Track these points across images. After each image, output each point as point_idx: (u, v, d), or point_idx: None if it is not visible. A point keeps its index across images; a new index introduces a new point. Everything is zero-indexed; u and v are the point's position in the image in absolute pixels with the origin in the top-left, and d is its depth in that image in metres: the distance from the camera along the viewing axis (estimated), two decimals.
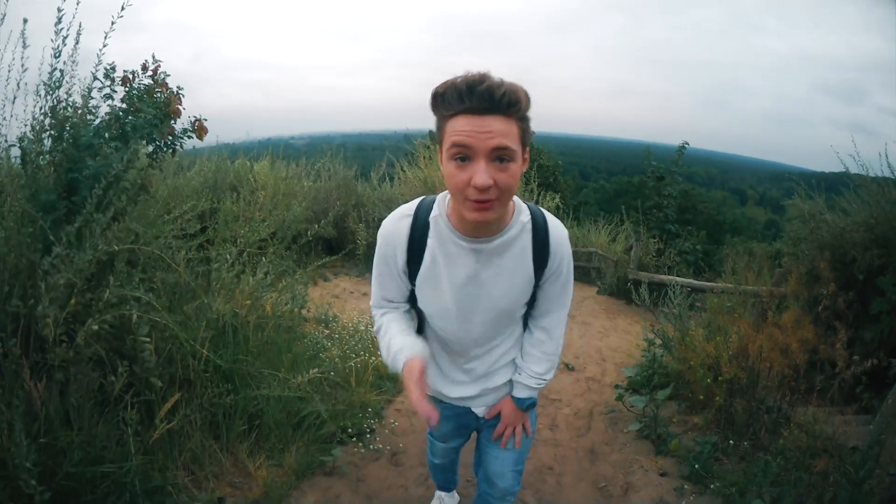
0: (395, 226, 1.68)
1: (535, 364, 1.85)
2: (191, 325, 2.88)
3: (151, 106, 3.33)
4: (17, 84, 2.52)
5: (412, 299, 1.79)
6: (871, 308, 3.89)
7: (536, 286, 1.72)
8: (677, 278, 7.24)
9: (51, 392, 2.30)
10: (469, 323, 1.73)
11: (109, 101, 3.27)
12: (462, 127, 1.35)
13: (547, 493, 3.14)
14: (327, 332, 4.52)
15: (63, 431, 2.31)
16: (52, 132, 2.66)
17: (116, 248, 2.43)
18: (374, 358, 4.06)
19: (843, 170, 4.62)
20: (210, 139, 4.46)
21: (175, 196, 4.25)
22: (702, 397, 3.78)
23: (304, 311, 4.33)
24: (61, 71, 2.67)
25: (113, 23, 2.77)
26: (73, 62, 2.72)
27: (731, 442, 3.44)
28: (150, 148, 3.41)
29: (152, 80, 3.58)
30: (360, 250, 7.46)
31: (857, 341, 3.90)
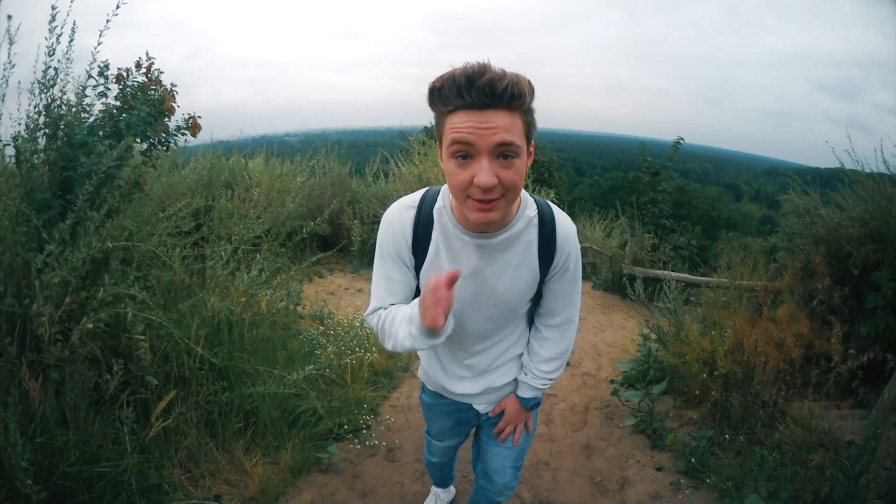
0: (401, 215, 1.62)
1: (541, 363, 1.82)
2: (186, 322, 2.88)
3: (145, 103, 3.32)
4: (6, 81, 2.51)
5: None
6: (867, 303, 3.91)
7: (542, 283, 1.68)
8: (672, 273, 7.24)
9: (46, 391, 2.30)
10: (471, 318, 1.69)
11: (103, 99, 3.26)
12: (462, 123, 1.29)
13: (543, 489, 3.14)
14: (322, 328, 4.51)
15: (59, 431, 2.30)
16: (47, 130, 2.65)
17: (110, 245, 2.42)
18: (369, 354, 4.07)
19: (839, 165, 4.63)
20: (205, 136, 4.46)
21: (169, 194, 4.24)
22: (697, 392, 3.79)
23: (299, 308, 4.32)
24: (55, 69, 2.66)
25: (108, 20, 2.76)
26: (69, 60, 2.71)
27: (726, 436, 3.45)
28: (145, 146, 3.40)
29: (146, 77, 3.57)
30: (355, 246, 7.47)
31: (852, 336, 3.92)
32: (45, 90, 2.63)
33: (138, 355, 2.42)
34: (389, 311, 1.63)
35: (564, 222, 1.64)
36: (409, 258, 1.64)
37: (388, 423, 3.63)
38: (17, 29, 2.44)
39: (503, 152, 1.30)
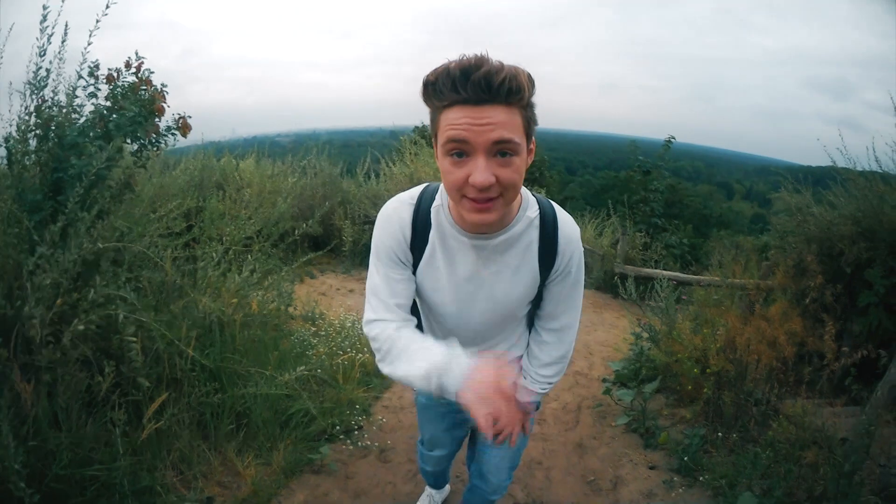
0: (400, 212, 1.54)
1: (541, 367, 1.75)
2: (177, 324, 2.87)
3: (135, 103, 3.30)
4: None
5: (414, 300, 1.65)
6: (859, 301, 3.92)
7: (542, 286, 1.62)
8: (664, 272, 7.25)
9: (38, 394, 2.29)
10: (468, 320, 1.63)
11: (94, 100, 3.24)
12: (457, 119, 1.21)
13: (536, 488, 3.14)
14: (314, 329, 4.50)
15: (51, 433, 2.29)
16: (38, 132, 2.64)
17: (101, 246, 2.42)
18: (360, 355, 4.06)
19: (831, 164, 4.65)
20: (196, 137, 4.44)
21: (161, 194, 4.22)
22: (690, 388, 3.80)
23: (290, 309, 4.31)
24: (47, 70, 2.64)
25: (98, 21, 2.74)
26: (61, 60, 2.70)
27: (719, 434, 3.46)
28: (135, 146, 3.39)
29: (136, 77, 3.55)
30: (346, 247, 7.46)
31: (844, 333, 3.93)
32: (36, 91, 2.62)
33: (130, 357, 2.41)
34: (402, 335, 1.47)
35: (567, 224, 1.57)
36: (407, 256, 1.55)
37: (381, 424, 3.62)
38: (10, 29, 2.43)
39: (501, 150, 1.23)
